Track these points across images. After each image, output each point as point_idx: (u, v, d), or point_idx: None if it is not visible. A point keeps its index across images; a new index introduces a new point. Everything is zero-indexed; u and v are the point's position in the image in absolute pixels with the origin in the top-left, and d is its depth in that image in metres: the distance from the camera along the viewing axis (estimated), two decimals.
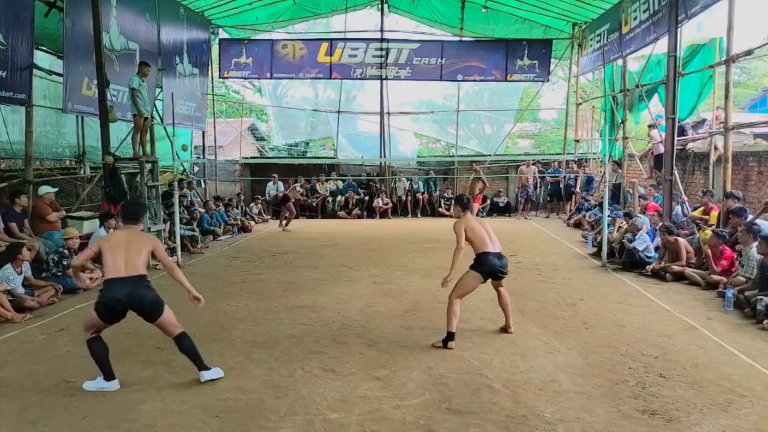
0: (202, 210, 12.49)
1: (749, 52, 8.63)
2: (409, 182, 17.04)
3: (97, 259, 4.42)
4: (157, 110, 12.57)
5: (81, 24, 9.28)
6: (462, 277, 5.17)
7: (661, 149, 10.79)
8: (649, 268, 7.98)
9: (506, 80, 17.17)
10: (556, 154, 19.65)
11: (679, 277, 7.58)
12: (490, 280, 5.30)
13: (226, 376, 4.40)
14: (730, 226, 7.86)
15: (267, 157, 19.41)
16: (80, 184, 11.21)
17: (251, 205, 15.70)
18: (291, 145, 20.98)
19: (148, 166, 9.69)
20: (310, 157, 20.52)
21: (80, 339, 4.51)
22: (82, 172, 11.58)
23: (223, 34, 16.94)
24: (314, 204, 16.51)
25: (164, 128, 12.31)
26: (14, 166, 10.06)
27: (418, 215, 16.50)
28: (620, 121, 13.60)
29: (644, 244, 8.39)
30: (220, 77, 17.54)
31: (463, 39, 17.24)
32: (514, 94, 19.22)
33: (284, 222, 13.79)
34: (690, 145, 11.21)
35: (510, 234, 11.93)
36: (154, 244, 4.36)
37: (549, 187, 16.40)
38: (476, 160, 16.86)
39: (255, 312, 6.31)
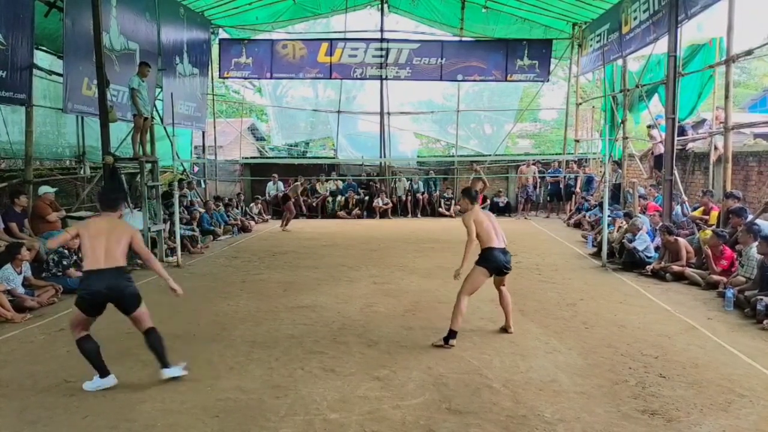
0: (202, 210, 12.50)
1: (749, 52, 8.63)
2: (409, 182, 17.04)
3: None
4: (157, 110, 12.56)
5: (81, 24, 9.28)
6: (469, 274, 5.16)
7: (661, 149, 10.79)
8: (649, 268, 7.98)
9: (506, 80, 17.17)
10: (556, 154, 19.65)
11: (679, 277, 7.58)
12: (492, 279, 5.30)
13: (226, 375, 4.41)
14: (730, 226, 7.86)
15: (267, 157, 19.42)
16: (80, 184, 11.21)
17: (251, 205, 15.71)
18: (291, 145, 20.98)
19: (148, 166, 9.70)
20: (310, 157, 20.52)
21: None
22: (82, 172, 11.57)
23: (223, 34, 16.94)
24: (314, 204, 16.52)
25: (164, 128, 12.31)
26: (14, 166, 10.06)
27: (418, 215, 16.50)
28: (620, 121, 13.60)
29: (644, 244, 8.39)
30: (220, 77, 17.54)
31: (463, 39, 17.23)
32: (514, 94, 19.22)
33: (284, 223, 13.80)
34: (690, 145, 11.21)
35: (510, 234, 11.76)
36: (132, 233, 4.36)
37: (549, 187, 16.41)
38: (476, 160, 16.87)
39: (255, 312, 6.31)
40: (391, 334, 5.44)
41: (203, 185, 16.12)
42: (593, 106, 17.86)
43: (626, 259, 8.49)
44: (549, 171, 16.34)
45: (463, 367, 4.58)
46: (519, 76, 16.98)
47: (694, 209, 9.59)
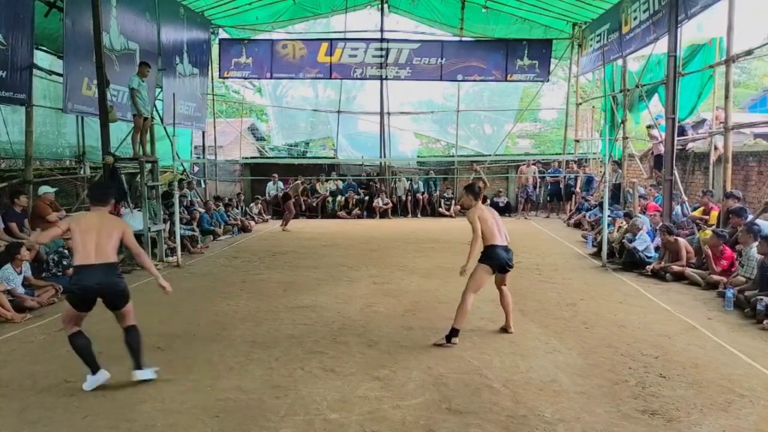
0: (202, 210, 12.50)
1: (749, 52, 8.63)
2: (409, 182, 17.05)
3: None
4: (157, 110, 12.56)
5: (81, 24, 9.28)
6: (473, 272, 5.16)
7: (661, 149, 10.79)
8: (649, 268, 7.98)
9: (506, 80, 17.17)
10: (556, 154, 19.64)
11: (679, 277, 7.58)
12: (493, 278, 5.30)
13: (226, 375, 4.41)
14: (730, 226, 7.86)
15: (267, 157, 19.42)
16: (80, 184, 11.21)
17: (251, 205, 15.71)
18: (291, 145, 20.98)
19: (148, 166, 9.70)
20: (310, 157, 20.52)
21: None
22: (82, 172, 11.57)
23: (223, 34, 16.94)
24: (314, 204, 16.52)
25: (164, 128, 12.31)
26: (14, 166, 10.06)
27: (418, 215, 16.50)
28: (620, 121, 13.60)
29: (644, 244, 8.39)
30: (220, 77, 17.54)
31: (463, 39, 17.23)
32: (514, 94, 19.21)
33: (285, 223, 13.80)
34: (690, 145, 11.21)
35: (510, 234, 11.81)
36: (124, 228, 4.35)
37: (549, 187, 16.40)
38: (476, 160, 16.86)
39: (255, 312, 6.31)
40: (391, 334, 5.44)
41: (203, 185, 16.12)
42: (593, 106, 17.86)
43: (626, 259, 8.49)
44: (549, 171, 16.34)
45: (463, 367, 4.58)
46: (519, 76, 16.97)
47: (694, 209, 9.59)
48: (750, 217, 7.60)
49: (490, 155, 17.68)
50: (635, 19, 11.83)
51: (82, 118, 11.28)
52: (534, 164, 16.33)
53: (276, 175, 16.48)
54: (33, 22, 8.54)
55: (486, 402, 3.92)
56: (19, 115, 9.26)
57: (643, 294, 7.00)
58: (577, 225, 13.31)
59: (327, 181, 17.17)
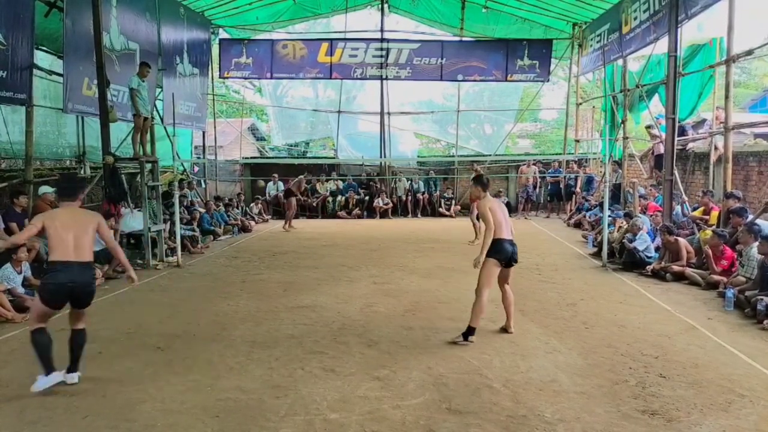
0: (203, 210, 12.50)
1: (749, 52, 8.63)
2: (409, 182, 17.05)
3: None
4: (157, 110, 12.56)
5: (81, 24, 9.28)
6: (482, 268, 5.17)
7: (661, 149, 10.79)
8: (649, 268, 7.98)
9: (506, 80, 17.16)
10: (556, 154, 19.64)
11: (680, 277, 7.58)
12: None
13: (226, 375, 4.41)
14: (730, 226, 7.86)
15: (267, 157, 19.42)
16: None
17: (251, 205, 15.72)
18: (291, 145, 20.98)
19: (148, 166, 9.70)
20: (310, 157, 20.52)
21: None
22: (82, 172, 11.57)
23: (223, 34, 16.93)
24: (314, 204, 16.52)
25: (164, 128, 12.31)
26: (14, 166, 10.05)
27: (419, 215, 16.50)
28: (620, 121, 13.59)
29: (644, 244, 8.39)
30: (220, 77, 17.54)
31: (463, 39, 17.23)
32: (514, 94, 19.21)
33: (287, 222, 13.79)
34: (690, 145, 11.21)
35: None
36: (98, 220, 4.33)
37: (549, 187, 16.41)
38: (476, 160, 16.85)
39: (255, 312, 6.31)
40: (391, 334, 5.44)
41: (203, 185, 16.13)
42: (593, 106, 17.86)
43: (626, 259, 8.49)
44: (549, 171, 16.35)
45: (463, 367, 4.58)
46: (519, 76, 16.97)
47: (695, 209, 9.59)
48: (750, 217, 7.59)
49: (490, 155, 17.68)
50: (635, 19, 11.83)
51: (83, 118, 11.28)
52: (534, 164, 16.32)
53: (276, 175, 16.48)
54: (33, 22, 8.53)
55: (486, 402, 3.92)
56: (20, 115, 9.25)
57: (643, 294, 7.00)
58: (578, 225, 13.31)
59: (327, 181, 17.18)
